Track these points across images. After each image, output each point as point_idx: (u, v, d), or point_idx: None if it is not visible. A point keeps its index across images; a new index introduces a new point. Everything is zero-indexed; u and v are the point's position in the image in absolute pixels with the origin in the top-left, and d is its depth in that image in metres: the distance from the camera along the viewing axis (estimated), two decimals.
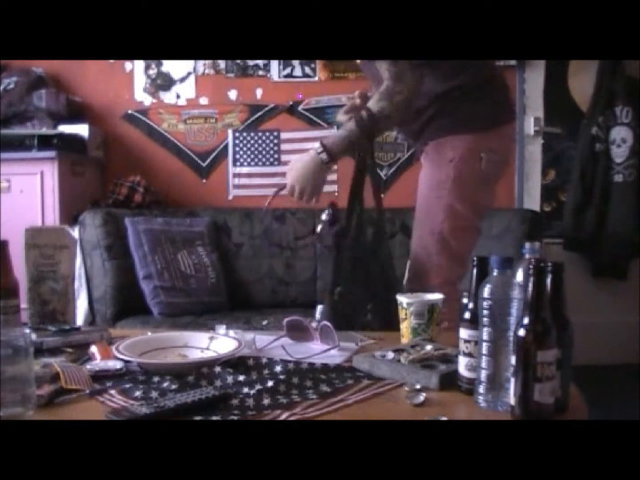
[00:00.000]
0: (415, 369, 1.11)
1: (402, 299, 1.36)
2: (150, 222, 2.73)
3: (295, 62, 3.23)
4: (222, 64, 3.24)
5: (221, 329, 1.41)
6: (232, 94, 3.25)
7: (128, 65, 3.23)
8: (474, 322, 1.00)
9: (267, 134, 3.24)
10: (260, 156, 3.27)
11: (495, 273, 0.97)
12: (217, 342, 1.28)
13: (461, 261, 1.67)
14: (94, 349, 1.24)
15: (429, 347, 1.22)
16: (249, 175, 3.28)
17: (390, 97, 1.55)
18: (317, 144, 1.61)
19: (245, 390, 1.04)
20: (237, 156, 3.27)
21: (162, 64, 3.24)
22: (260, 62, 3.23)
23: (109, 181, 3.08)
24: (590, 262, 3.24)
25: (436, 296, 1.37)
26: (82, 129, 2.91)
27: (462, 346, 1.04)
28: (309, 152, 1.62)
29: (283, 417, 0.93)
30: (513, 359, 0.90)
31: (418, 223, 1.73)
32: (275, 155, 3.26)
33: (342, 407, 0.99)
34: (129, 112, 3.24)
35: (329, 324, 1.34)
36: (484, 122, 1.61)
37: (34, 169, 2.68)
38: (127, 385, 1.08)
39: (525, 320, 0.89)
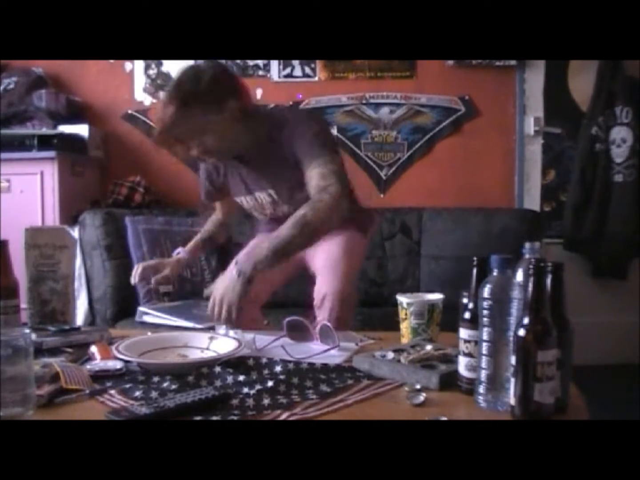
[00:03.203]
0: (415, 369, 1.11)
1: (402, 299, 1.36)
2: (151, 221, 2.73)
3: (295, 62, 3.22)
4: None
5: (221, 329, 1.41)
6: None
7: (128, 65, 3.22)
8: (474, 322, 1.00)
9: None
10: None
11: (495, 273, 0.97)
12: (217, 342, 1.28)
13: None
14: (94, 349, 1.24)
15: (429, 347, 1.22)
16: None
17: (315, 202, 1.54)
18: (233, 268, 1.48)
19: (245, 390, 1.04)
20: None
21: (162, 64, 3.23)
22: (260, 62, 3.22)
23: (109, 181, 3.07)
24: (590, 262, 3.23)
25: (436, 296, 1.37)
26: (82, 129, 2.90)
27: (462, 346, 1.04)
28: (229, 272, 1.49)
29: (283, 417, 0.93)
30: (513, 359, 0.90)
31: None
32: None
33: (342, 407, 0.99)
34: (129, 112, 3.23)
35: (328, 324, 1.34)
36: None
37: (34, 169, 2.67)
38: (127, 385, 1.08)
39: (525, 320, 0.89)
